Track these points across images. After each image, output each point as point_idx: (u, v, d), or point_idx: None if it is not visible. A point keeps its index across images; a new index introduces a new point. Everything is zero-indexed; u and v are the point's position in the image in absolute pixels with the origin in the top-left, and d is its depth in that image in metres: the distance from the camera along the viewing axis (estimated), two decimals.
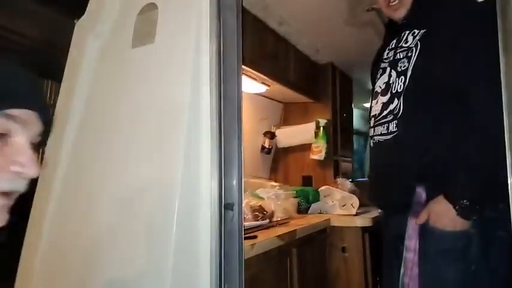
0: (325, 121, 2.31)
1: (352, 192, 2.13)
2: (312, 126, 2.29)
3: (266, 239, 1.27)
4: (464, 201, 0.98)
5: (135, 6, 1.18)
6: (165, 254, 0.90)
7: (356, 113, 3.40)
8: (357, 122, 3.40)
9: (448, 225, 1.02)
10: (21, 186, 0.52)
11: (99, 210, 1.02)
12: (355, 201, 1.94)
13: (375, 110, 1.26)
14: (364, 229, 1.78)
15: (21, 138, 0.51)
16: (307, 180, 2.39)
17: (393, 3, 1.22)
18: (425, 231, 1.06)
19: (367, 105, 3.95)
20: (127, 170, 1.01)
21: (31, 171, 0.51)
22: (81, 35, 1.28)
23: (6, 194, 0.50)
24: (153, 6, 1.14)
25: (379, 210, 1.56)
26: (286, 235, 1.37)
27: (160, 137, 0.99)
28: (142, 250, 0.93)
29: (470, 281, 1.01)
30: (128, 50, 1.15)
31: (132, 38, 1.15)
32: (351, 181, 2.27)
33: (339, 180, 2.24)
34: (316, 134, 2.29)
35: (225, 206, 0.97)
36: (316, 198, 2.03)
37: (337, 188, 2.17)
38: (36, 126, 0.53)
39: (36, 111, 0.53)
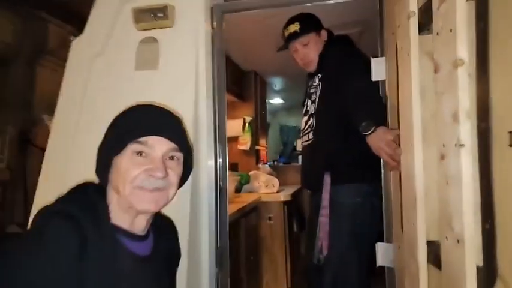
0: (250, 118, 2.86)
1: (270, 174, 2.75)
2: (239, 122, 2.81)
3: (232, 212, 1.75)
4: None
5: (135, 35, 1.48)
6: (184, 217, 1.31)
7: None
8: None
9: (345, 199, 1.65)
10: (156, 184, 0.82)
11: None
12: (276, 181, 2.56)
13: (302, 126, 1.86)
14: (284, 202, 2.41)
15: (154, 153, 0.83)
16: (234, 167, 2.91)
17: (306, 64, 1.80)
18: (333, 202, 1.68)
19: (272, 101, 4.68)
20: None
21: (156, 174, 0.81)
22: (80, 52, 1.52)
23: (142, 188, 0.81)
24: (153, 40, 1.47)
25: (306, 190, 2.14)
26: (241, 209, 1.89)
27: None
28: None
29: (358, 228, 1.62)
30: (132, 71, 1.47)
31: (135, 62, 1.47)
32: (268, 165, 2.89)
33: (260, 165, 2.84)
34: (243, 129, 2.82)
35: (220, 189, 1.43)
36: (248, 181, 2.58)
37: (258, 171, 2.76)
38: (166, 146, 0.84)
39: (165, 137, 0.83)
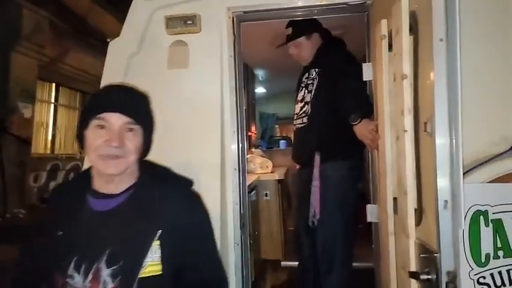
0: (244, 107, 3.16)
1: (262, 156, 3.10)
2: None
3: None
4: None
5: (166, 39, 1.74)
6: (216, 189, 1.63)
7: None
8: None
9: (333, 173, 2.04)
10: (115, 151, 0.98)
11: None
12: (270, 163, 2.91)
13: (296, 110, 2.21)
14: (278, 181, 2.77)
15: (112, 126, 0.99)
16: None
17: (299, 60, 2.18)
18: (322, 175, 2.07)
19: (256, 90, 4.99)
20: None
21: (112, 143, 0.97)
22: (117, 52, 1.77)
23: (103, 156, 0.98)
24: (183, 43, 1.74)
25: (297, 166, 2.50)
26: (248, 186, 2.21)
27: (203, 126, 1.67)
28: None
29: (343, 195, 2.02)
30: (164, 70, 1.73)
31: (167, 62, 1.74)
32: (260, 149, 3.23)
33: (253, 150, 3.17)
34: None
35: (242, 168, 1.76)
36: None
37: (253, 154, 3.10)
38: (122, 119, 0.99)
39: (119, 112, 0.99)
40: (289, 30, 2.18)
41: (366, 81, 1.75)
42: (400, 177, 1.15)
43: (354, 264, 2.11)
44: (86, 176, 1.09)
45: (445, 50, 0.95)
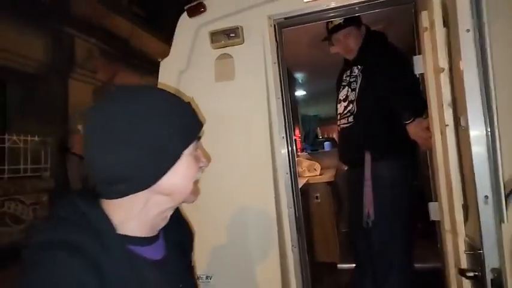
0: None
1: (309, 159, 3.10)
2: None
3: None
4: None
5: (212, 53, 1.82)
6: (270, 197, 1.67)
7: None
8: None
9: (385, 173, 1.99)
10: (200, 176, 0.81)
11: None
12: (317, 166, 2.91)
13: (339, 110, 2.19)
14: (328, 183, 2.76)
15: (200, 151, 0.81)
16: None
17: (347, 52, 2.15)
18: (374, 175, 2.03)
19: (296, 93, 5.01)
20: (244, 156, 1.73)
21: (205, 167, 0.81)
22: (168, 70, 1.88)
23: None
24: (228, 56, 1.82)
25: (345, 167, 2.48)
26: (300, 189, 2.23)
27: (253, 133, 1.72)
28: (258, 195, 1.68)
29: (396, 195, 1.96)
30: (212, 83, 1.81)
31: (214, 75, 1.82)
32: (306, 153, 3.24)
33: (300, 153, 3.19)
34: None
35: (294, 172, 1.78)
36: None
37: (299, 158, 3.11)
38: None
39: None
40: (335, 22, 2.08)
41: (417, 76, 1.71)
42: (447, 173, 1.14)
43: (419, 265, 2.03)
44: (94, 223, 0.68)
45: (473, 40, 0.93)
